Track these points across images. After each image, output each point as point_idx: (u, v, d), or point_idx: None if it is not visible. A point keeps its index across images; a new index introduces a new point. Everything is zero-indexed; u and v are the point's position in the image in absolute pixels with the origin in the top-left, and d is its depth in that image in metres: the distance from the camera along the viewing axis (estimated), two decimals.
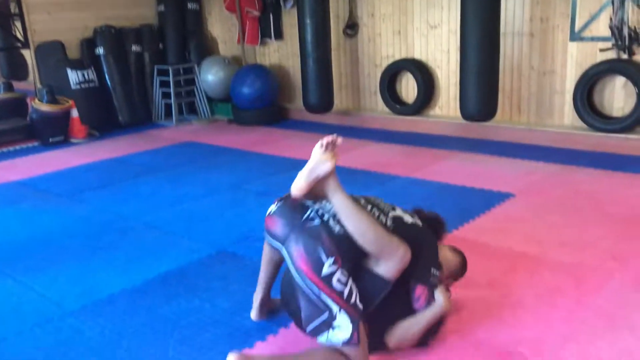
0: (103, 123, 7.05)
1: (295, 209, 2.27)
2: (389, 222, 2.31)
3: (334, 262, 2.12)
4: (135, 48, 7.41)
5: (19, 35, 6.93)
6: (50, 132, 6.49)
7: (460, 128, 5.95)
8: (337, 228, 2.18)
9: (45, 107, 6.39)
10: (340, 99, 6.92)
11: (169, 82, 7.25)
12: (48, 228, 3.88)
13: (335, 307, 2.11)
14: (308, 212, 2.24)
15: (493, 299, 2.71)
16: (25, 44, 6.94)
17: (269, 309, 2.61)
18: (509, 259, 3.12)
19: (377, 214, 2.31)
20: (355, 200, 2.27)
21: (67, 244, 3.59)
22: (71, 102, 6.61)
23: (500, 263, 3.07)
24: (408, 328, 2.28)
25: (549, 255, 3.12)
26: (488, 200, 4.02)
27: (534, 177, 4.47)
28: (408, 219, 2.41)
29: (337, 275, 2.12)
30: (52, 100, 6.44)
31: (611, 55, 5.05)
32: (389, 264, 2.18)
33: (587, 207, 3.79)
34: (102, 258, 3.36)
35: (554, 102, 5.52)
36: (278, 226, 2.26)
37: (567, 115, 5.46)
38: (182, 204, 4.25)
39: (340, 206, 2.17)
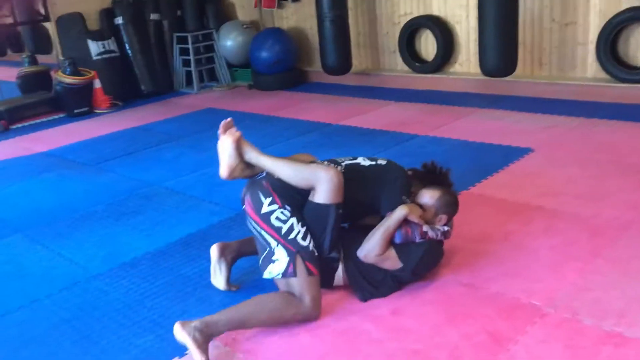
0: (126, 93, 7.14)
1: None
2: (338, 168, 2.50)
3: (272, 202, 2.37)
4: (153, 16, 7.43)
5: (40, 9, 7.02)
6: (75, 104, 6.61)
7: (481, 84, 5.87)
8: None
9: (68, 79, 6.49)
10: (359, 60, 6.87)
11: (189, 49, 7.28)
12: (74, 196, 4.00)
13: (273, 242, 2.35)
14: (259, 173, 2.50)
15: (507, 253, 2.72)
16: (46, 17, 7.03)
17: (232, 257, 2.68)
18: (526, 213, 3.12)
19: (326, 164, 2.54)
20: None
21: (92, 210, 3.71)
22: (93, 73, 6.71)
23: (516, 217, 3.08)
24: (371, 235, 2.42)
25: (566, 208, 3.11)
26: (507, 156, 4.00)
27: (554, 131, 4.42)
28: (366, 162, 2.62)
29: (276, 213, 2.36)
30: (75, 72, 6.54)
31: (636, 2, 4.89)
32: (319, 189, 2.34)
33: (606, 159, 3.74)
34: (127, 223, 3.47)
35: (577, 54, 5.39)
36: (243, 195, 2.51)
37: (590, 67, 5.33)
38: (203, 169, 4.32)
39: (264, 164, 2.43)
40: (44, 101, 6.66)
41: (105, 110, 6.77)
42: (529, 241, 2.81)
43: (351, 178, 2.47)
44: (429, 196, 2.56)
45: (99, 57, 6.96)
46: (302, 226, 2.38)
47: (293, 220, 2.37)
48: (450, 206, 2.61)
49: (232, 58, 7.56)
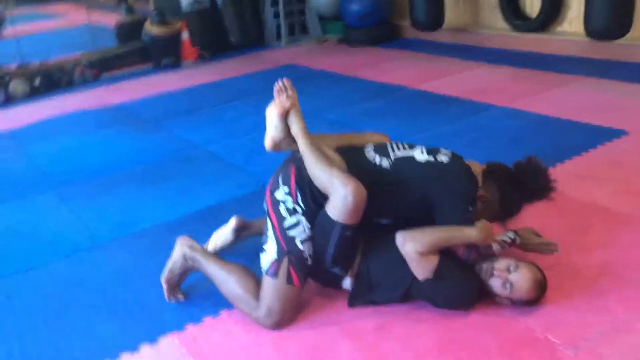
0: (214, 45, 7.04)
1: None
2: (384, 163, 2.12)
3: (288, 193, 2.09)
4: None
5: None
6: (162, 55, 6.63)
7: (590, 48, 5.04)
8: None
9: (155, 30, 6.50)
10: (455, 14, 6.20)
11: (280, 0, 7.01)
12: (120, 155, 3.96)
13: (271, 231, 2.09)
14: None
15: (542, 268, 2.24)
16: None
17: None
18: (587, 215, 2.57)
19: (372, 155, 2.15)
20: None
21: (130, 172, 3.63)
22: (181, 24, 6.67)
23: (572, 220, 2.54)
24: (429, 228, 2.02)
25: None
26: (592, 138, 3.37)
27: None
28: (422, 157, 2.14)
29: (287, 204, 2.08)
30: (162, 23, 6.53)
31: None
32: (332, 201, 2.00)
33: None
34: (155, 188, 3.34)
35: None
36: None
37: None
38: (254, 133, 4.08)
39: (300, 148, 2.12)
40: (133, 52, 6.75)
41: (191, 62, 6.74)
42: (575, 256, 2.29)
43: (398, 181, 2.08)
44: (501, 286, 1.96)
45: (188, 7, 6.90)
46: (309, 230, 2.06)
47: (302, 218, 2.07)
48: (524, 305, 2.00)
49: (324, 10, 7.17)
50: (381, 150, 2.17)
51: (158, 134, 4.32)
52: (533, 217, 2.58)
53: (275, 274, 2.04)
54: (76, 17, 9.87)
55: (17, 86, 5.94)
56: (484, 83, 4.69)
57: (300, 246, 2.04)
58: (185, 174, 3.50)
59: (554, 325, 1.92)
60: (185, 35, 6.72)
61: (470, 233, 1.97)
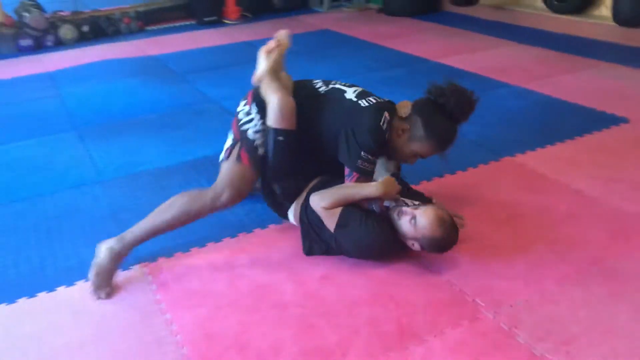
0: (257, 5, 7.20)
1: None
2: (321, 87, 2.38)
3: (245, 103, 2.37)
4: None
5: None
6: (205, 12, 6.84)
7: (621, 34, 4.93)
8: None
9: None
10: None
11: None
12: (140, 103, 4.21)
13: (231, 133, 2.37)
14: None
15: (497, 237, 2.35)
16: None
17: None
18: (551, 193, 2.65)
19: (317, 81, 2.44)
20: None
21: (145, 119, 3.88)
22: None
23: (540, 198, 2.62)
24: (334, 188, 2.22)
25: (612, 201, 2.57)
26: (590, 123, 3.39)
27: None
28: (348, 93, 2.33)
29: (244, 110, 2.36)
30: None
31: None
32: (267, 109, 2.25)
33: None
34: (162, 136, 3.57)
35: None
36: None
37: None
38: None
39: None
40: (178, 7, 7.00)
41: (233, 21, 6.92)
42: (528, 229, 2.39)
43: (326, 100, 2.34)
44: (408, 222, 2.08)
45: None
46: (261, 124, 2.30)
47: (256, 116, 2.32)
48: (434, 248, 2.13)
49: None
50: (325, 81, 2.44)
51: (180, 86, 4.55)
52: (503, 193, 2.69)
53: (227, 158, 2.31)
54: None
55: (67, 31, 6.29)
56: (506, 62, 4.68)
57: (251, 136, 2.30)
58: (193, 125, 3.72)
59: (486, 291, 2.05)
60: None
61: (371, 189, 2.15)
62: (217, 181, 2.29)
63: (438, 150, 2.31)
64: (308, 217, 2.27)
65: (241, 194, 2.30)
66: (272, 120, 2.25)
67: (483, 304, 1.99)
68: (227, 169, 2.30)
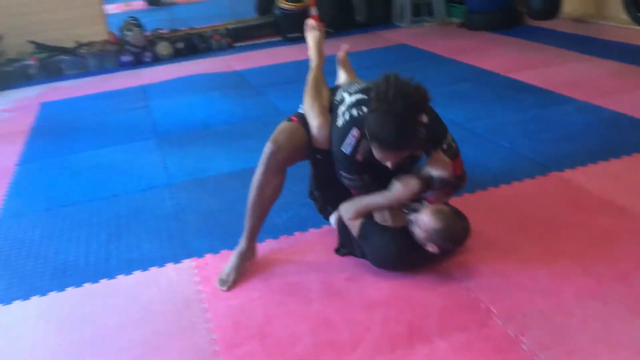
0: (340, 21, 7.42)
1: None
2: (335, 98, 2.47)
3: None
4: None
5: None
6: (289, 28, 7.16)
7: None
8: None
9: (286, 5, 7.05)
10: (576, 4, 5.97)
11: None
12: (216, 114, 4.55)
13: None
14: None
15: (525, 254, 2.39)
16: None
17: None
18: (595, 212, 2.63)
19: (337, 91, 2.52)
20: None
21: (218, 129, 4.21)
22: (311, 0, 7.14)
23: (576, 214, 2.62)
24: (357, 199, 2.32)
25: None
26: None
27: None
28: (342, 108, 2.33)
29: None
30: None
31: None
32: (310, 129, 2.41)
33: None
34: (230, 145, 3.87)
35: None
36: None
37: None
38: None
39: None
40: (265, 24, 7.38)
41: None
42: (565, 245, 2.40)
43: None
44: (416, 228, 2.17)
45: None
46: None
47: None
48: (447, 241, 2.19)
49: None
50: (344, 86, 2.54)
51: (255, 99, 4.85)
52: (540, 209, 2.71)
53: (289, 119, 2.51)
54: None
55: (163, 48, 6.85)
56: (579, 76, 4.58)
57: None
58: (260, 135, 3.88)
59: (501, 299, 2.11)
60: (314, 11, 7.18)
61: (390, 194, 2.22)
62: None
63: (386, 151, 2.09)
64: (344, 223, 2.42)
65: (290, 146, 2.37)
66: (313, 140, 2.40)
67: (495, 312, 2.05)
68: (278, 126, 2.47)
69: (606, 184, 2.85)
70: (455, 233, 2.19)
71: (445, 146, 2.26)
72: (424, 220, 2.14)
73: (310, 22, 2.89)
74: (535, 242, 2.44)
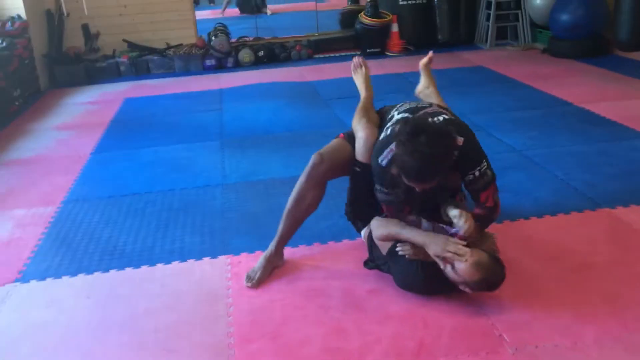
0: (421, 39, 7.41)
1: None
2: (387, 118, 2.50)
3: None
4: None
5: None
6: (369, 43, 7.25)
7: None
8: None
9: (367, 20, 7.14)
10: None
11: (498, 3, 7.09)
12: (281, 121, 4.70)
13: None
14: None
15: (554, 288, 2.34)
16: None
17: None
18: (637, 252, 2.52)
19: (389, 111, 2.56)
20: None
21: (278, 136, 4.35)
22: (392, 17, 7.20)
23: (617, 252, 2.53)
24: (387, 222, 2.35)
25: None
26: None
27: None
28: (387, 123, 2.44)
29: None
30: (375, 15, 7.14)
31: None
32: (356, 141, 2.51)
33: None
34: (288, 151, 3.98)
35: None
36: None
37: None
38: None
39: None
40: (347, 38, 7.50)
41: (395, 54, 7.24)
42: (598, 283, 2.34)
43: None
44: (450, 270, 2.15)
45: (404, 2, 7.38)
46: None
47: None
48: (482, 289, 2.17)
49: (538, 17, 7.05)
50: (399, 105, 2.57)
51: (320, 110, 4.96)
52: (582, 235, 2.64)
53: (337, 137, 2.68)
54: (337, 1, 10.96)
55: (245, 55, 7.11)
56: None
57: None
58: (317, 145, 3.96)
59: (517, 329, 2.08)
60: (394, 27, 7.24)
61: (419, 239, 2.21)
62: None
63: (410, 182, 2.14)
64: (373, 240, 2.47)
65: (333, 160, 2.51)
66: (356, 152, 2.48)
67: (508, 340, 2.03)
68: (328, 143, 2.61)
69: None
70: (492, 283, 2.16)
71: (477, 173, 2.23)
72: (463, 270, 2.11)
73: (355, 61, 2.96)
74: (566, 277, 2.38)
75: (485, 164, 2.27)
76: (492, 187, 2.28)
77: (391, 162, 2.25)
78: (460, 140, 2.18)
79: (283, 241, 2.57)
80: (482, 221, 2.27)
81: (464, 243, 2.13)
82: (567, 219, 2.86)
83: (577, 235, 2.70)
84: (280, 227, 2.56)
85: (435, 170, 2.08)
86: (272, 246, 2.55)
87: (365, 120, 2.54)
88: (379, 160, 2.30)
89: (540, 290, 2.30)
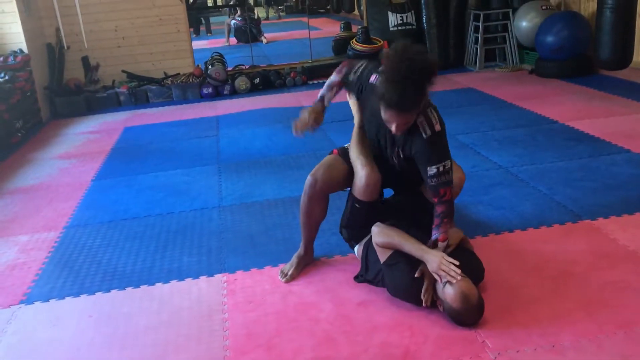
0: None
1: None
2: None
3: None
4: None
5: None
6: None
7: None
8: None
9: (359, 46, 7.35)
10: None
11: (486, 26, 7.30)
12: (276, 145, 4.84)
13: None
14: None
15: (534, 295, 2.45)
16: None
17: None
18: (614, 261, 2.65)
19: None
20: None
21: (273, 159, 4.49)
22: (383, 42, 7.40)
23: (595, 261, 2.65)
24: (391, 231, 2.43)
25: None
26: None
27: None
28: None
29: None
30: (366, 41, 7.35)
31: None
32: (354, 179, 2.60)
33: None
34: (280, 174, 4.12)
35: None
36: None
37: None
38: None
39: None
40: (337, 64, 7.58)
41: None
42: (576, 290, 2.46)
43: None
44: (441, 283, 2.26)
45: (395, 28, 7.61)
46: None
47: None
48: (451, 316, 2.27)
49: (525, 40, 7.25)
50: None
51: (315, 134, 5.03)
52: (562, 246, 2.75)
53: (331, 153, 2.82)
54: (330, 28, 11.22)
55: (241, 82, 7.29)
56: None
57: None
58: (309, 167, 4.06)
59: (499, 335, 2.19)
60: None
61: (421, 254, 2.31)
62: None
63: (390, 110, 2.25)
64: (367, 251, 2.58)
65: (325, 180, 2.65)
66: (354, 190, 2.61)
67: (490, 345, 2.13)
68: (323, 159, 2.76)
69: (635, 235, 2.85)
70: (463, 320, 2.25)
71: (441, 168, 2.34)
72: (450, 293, 2.21)
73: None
74: (546, 285, 2.50)
75: (450, 164, 2.39)
76: (450, 186, 2.41)
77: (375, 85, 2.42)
78: (438, 126, 2.37)
79: (308, 243, 2.80)
80: (447, 216, 2.40)
81: (457, 263, 2.24)
82: (550, 232, 2.98)
83: (558, 246, 2.82)
84: (302, 233, 2.80)
85: (414, 98, 2.23)
86: (301, 248, 2.81)
87: (364, 157, 2.59)
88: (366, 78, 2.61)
89: (520, 298, 2.42)
